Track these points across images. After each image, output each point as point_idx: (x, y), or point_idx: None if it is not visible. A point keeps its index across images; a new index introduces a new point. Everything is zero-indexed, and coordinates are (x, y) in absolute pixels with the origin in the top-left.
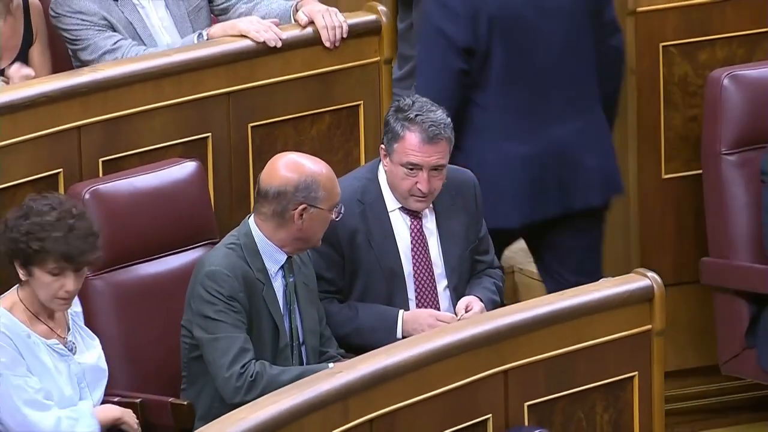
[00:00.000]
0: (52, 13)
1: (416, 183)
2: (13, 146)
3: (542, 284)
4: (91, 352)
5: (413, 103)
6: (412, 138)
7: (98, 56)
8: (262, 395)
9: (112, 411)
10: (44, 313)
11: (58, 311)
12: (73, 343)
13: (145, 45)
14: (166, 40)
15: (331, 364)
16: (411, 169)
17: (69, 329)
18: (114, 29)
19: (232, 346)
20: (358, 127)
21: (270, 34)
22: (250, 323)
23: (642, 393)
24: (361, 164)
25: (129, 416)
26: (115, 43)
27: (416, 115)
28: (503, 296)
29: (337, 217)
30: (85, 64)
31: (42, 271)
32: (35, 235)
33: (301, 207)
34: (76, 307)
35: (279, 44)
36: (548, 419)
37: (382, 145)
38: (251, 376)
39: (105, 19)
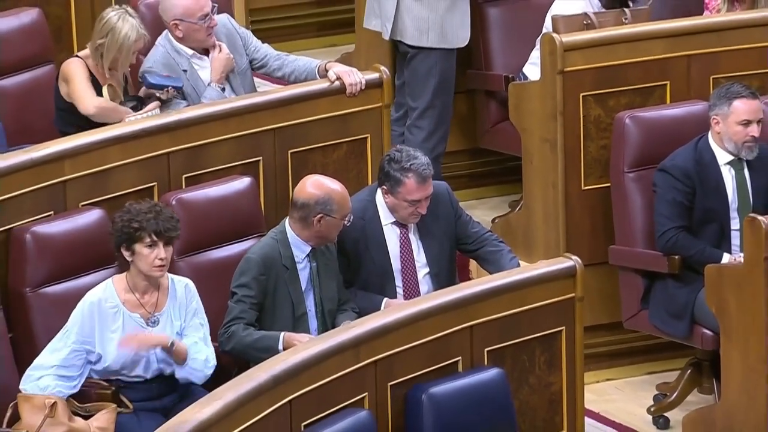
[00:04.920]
0: (141, 77)
1: (417, 209)
2: (122, 166)
3: None
4: (171, 331)
5: (401, 153)
6: (411, 183)
7: None
8: (235, 348)
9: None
10: (140, 289)
11: (155, 277)
12: (158, 318)
13: (194, 102)
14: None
15: (281, 334)
16: (412, 204)
17: (161, 308)
18: (184, 96)
19: (231, 312)
20: (366, 154)
21: (356, 88)
22: (273, 299)
23: (568, 342)
24: (368, 180)
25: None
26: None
27: (410, 164)
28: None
29: (347, 223)
30: None
31: (141, 245)
32: (135, 220)
33: (319, 216)
34: (192, 302)
35: (355, 93)
36: (501, 360)
37: (384, 187)
38: (228, 334)
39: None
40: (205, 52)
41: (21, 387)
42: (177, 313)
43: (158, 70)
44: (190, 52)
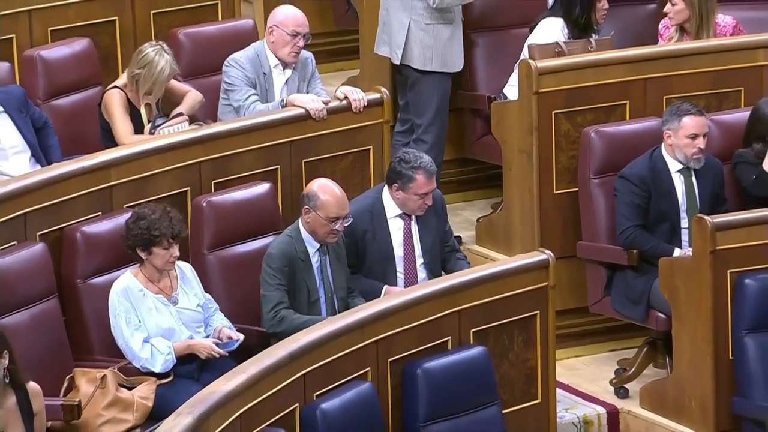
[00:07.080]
0: (227, 64)
1: (424, 201)
2: (160, 173)
3: (482, 257)
4: (191, 303)
5: (409, 154)
6: (420, 179)
7: (241, 98)
8: (286, 330)
9: (185, 341)
10: (155, 278)
11: (168, 270)
12: (176, 297)
13: (262, 101)
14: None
15: (320, 317)
16: (421, 197)
17: (176, 288)
18: (255, 88)
19: (272, 299)
20: (369, 163)
21: (320, 112)
22: (294, 286)
23: (542, 324)
24: (371, 185)
25: (199, 345)
26: (247, 98)
27: (419, 163)
28: (467, 259)
29: (340, 228)
30: (231, 103)
31: (159, 248)
32: (154, 228)
33: (305, 207)
34: (189, 274)
35: (323, 118)
36: (485, 340)
37: (395, 185)
38: (279, 318)
39: (252, 81)
40: (285, 65)
41: (158, 370)
42: (190, 289)
43: (243, 63)
44: (275, 62)
